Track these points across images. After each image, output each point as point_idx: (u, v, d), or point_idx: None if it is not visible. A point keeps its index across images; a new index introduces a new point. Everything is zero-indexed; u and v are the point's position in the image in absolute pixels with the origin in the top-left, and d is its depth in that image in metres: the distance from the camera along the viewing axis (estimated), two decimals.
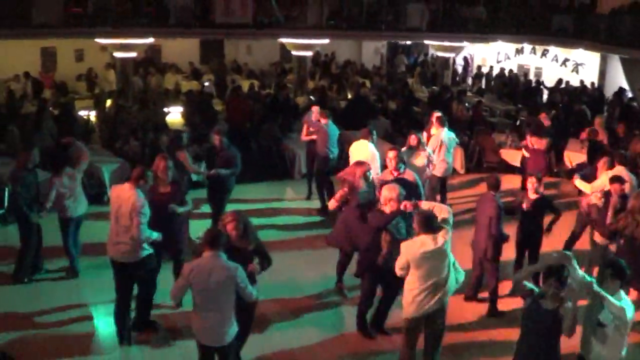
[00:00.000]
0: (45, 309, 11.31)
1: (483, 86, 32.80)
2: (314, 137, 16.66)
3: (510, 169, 19.83)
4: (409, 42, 38.58)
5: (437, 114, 16.55)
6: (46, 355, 9.96)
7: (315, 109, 17.27)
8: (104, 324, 10.92)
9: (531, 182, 12.22)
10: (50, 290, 12.24)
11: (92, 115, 22.55)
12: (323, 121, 16.69)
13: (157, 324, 10.76)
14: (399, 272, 9.11)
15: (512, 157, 19.88)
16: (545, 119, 19.48)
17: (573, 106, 24.65)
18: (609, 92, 29.46)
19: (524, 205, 12.06)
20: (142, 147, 17.73)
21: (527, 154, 16.85)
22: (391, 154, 12.37)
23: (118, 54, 24.38)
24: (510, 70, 33.80)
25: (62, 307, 11.47)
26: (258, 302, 9.06)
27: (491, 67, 35.79)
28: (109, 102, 22.89)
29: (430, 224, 8.99)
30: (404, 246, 9.07)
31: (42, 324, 10.83)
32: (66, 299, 11.75)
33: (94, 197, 15.73)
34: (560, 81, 30.41)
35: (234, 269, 8.13)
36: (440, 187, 16.41)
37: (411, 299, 9.05)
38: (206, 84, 27.89)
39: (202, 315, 8.30)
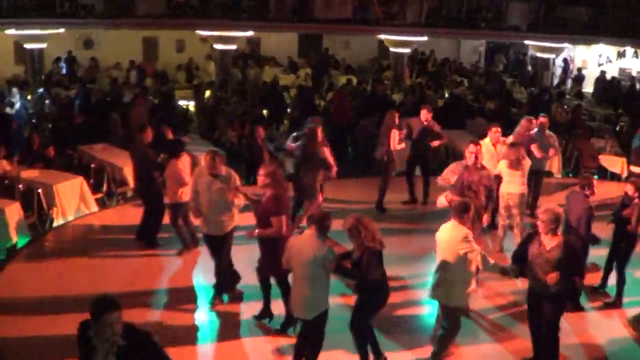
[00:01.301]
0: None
1: (582, 89, 32.19)
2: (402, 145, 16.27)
3: (607, 175, 19.49)
4: (508, 42, 38.08)
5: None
6: None
7: (426, 107, 16.91)
8: None
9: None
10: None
11: (191, 105, 22.89)
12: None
13: None
14: None
15: (611, 163, 19.46)
16: None
17: None
18: None
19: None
20: (239, 138, 17.91)
21: None
22: (472, 148, 12.20)
23: (218, 46, 24.70)
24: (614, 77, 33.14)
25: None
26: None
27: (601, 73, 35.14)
28: (207, 93, 23.20)
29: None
30: None
31: None
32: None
33: None
34: None
35: (323, 249, 8.52)
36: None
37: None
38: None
39: (294, 287, 8.97)
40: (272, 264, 9.79)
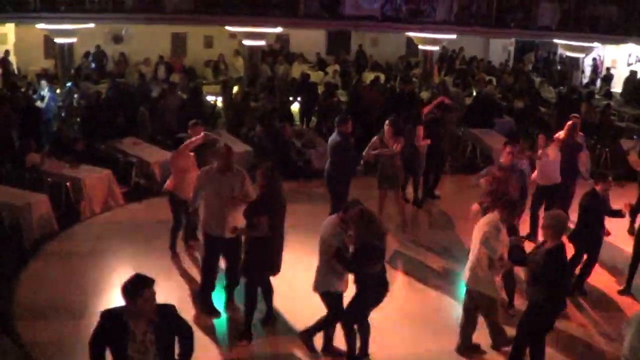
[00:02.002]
0: None
1: (611, 89, 31.95)
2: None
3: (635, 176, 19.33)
4: (537, 41, 37.87)
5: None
6: None
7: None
8: None
9: None
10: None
11: (219, 101, 22.95)
12: None
13: None
14: None
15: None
16: None
17: None
18: None
19: None
20: (267, 135, 17.93)
21: None
22: (509, 148, 12.23)
23: (247, 42, 24.74)
24: None
25: None
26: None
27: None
28: (235, 89, 23.26)
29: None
30: None
31: None
32: None
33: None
34: None
35: (335, 233, 9.02)
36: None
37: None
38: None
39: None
40: (255, 263, 9.86)
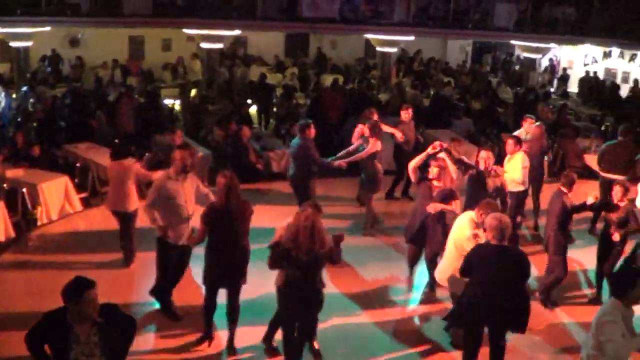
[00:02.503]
0: None
1: (568, 89, 32.28)
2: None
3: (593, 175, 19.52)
4: (494, 42, 38.17)
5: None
6: None
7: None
8: None
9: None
10: None
11: (177, 104, 22.87)
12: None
13: None
14: None
15: (596, 163, 19.52)
16: None
17: None
18: None
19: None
20: (225, 138, 17.89)
21: None
22: (484, 154, 12.29)
23: (205, 45, 24.66)
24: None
25: None
26: None
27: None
28: (193, 92, 23.18)
29: None
30: None
31: None
32: None
33: None
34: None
35: None
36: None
37: None
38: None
39: None
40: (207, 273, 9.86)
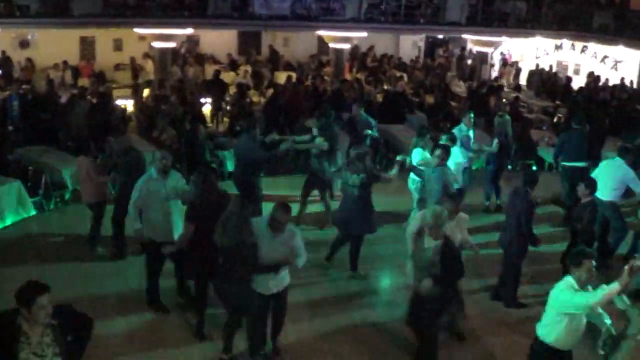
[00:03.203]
0: None
1: (520, 82, 32.56)
2: None
3: (545, 166, 19.74)
4: (447, 37, 38.39)
5: None
6: None
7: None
8: None
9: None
10: None
11: (129, 105, 22.68)
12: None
13: None
14: None
15: (549, 155, 19.72)
16: None
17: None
18: None
19: None
20: (179, 137, 17.80)
21: None
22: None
23: (156, 44, 24.49)
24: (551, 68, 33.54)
25: None
26: None
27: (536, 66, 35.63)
28: (146, 92, 23.01)
29: None
30: None
31: None
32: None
33: None
34: (596, 78, 30.17)
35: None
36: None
37: None
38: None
39: None
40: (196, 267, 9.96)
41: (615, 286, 7.20)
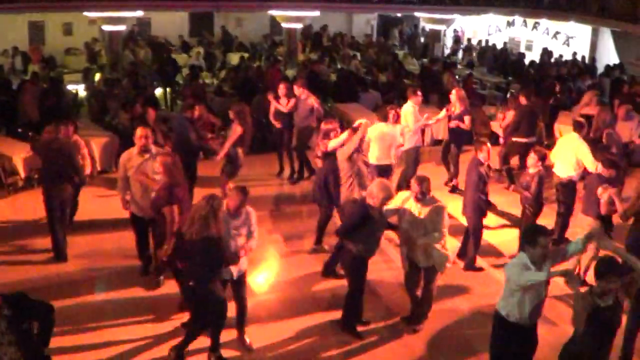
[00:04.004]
0: None
1: (474, 59, 32.70)
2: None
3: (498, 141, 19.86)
4: (400, 14, 38.41)
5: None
6: None
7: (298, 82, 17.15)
8: None
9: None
10: None
11: (81, 89, 22.45)
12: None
13: None
14: None
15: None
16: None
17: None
18: (600, 65, 29.43)
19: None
20: (131, 120, 17.64)
21: None
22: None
23: (107, 27, 24.23)
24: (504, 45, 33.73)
25: None
26: None
27: (481, 41, 35.80)
28: (97, 76, 22.78)
29: None
30: None
31: None
32: None
33: None
34: (549, 53, 30.39)
35: None
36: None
37: None
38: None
39: None
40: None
41: (559, 272, 7.57)
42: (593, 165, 12.77)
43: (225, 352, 9.26)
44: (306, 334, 10.09)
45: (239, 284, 9.38)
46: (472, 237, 12.17)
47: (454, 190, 16.29)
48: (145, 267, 11.40)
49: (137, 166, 10.75)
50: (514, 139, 16.54)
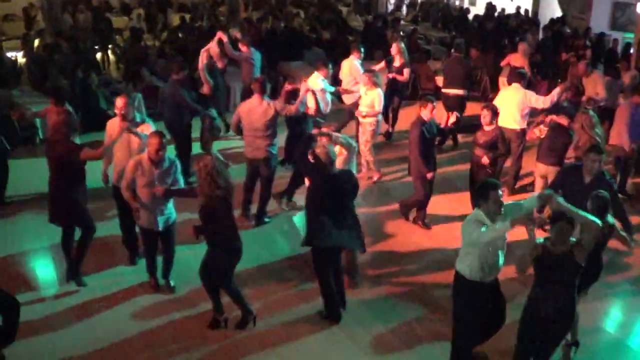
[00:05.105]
0: None
1: (418, 14, 32.66)
2: None
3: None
4: None
5: None
6: None
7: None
8: None
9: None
10: None
11: (20, 56, 22.06)
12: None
13: None
14: None
15: None
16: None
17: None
18: (545, 19, 29.49)
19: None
20: (72, 86, 17.38)
21: None
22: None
23: None
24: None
25: None
26: None
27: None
28: (37, 42, 22.35)
29: None
30: None
31: None
32: None
33: (26, 139, 16.08)
34: (493, 7, 30.45)
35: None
36: None
37: None
38: None
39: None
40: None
41: (519, 219, 7.49)
42: (543, 101, 13.62)
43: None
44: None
45: (167, 235, 9.73)
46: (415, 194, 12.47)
47: (389, 137, 16.90)
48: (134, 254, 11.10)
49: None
50: (443, 91, 16.75)
